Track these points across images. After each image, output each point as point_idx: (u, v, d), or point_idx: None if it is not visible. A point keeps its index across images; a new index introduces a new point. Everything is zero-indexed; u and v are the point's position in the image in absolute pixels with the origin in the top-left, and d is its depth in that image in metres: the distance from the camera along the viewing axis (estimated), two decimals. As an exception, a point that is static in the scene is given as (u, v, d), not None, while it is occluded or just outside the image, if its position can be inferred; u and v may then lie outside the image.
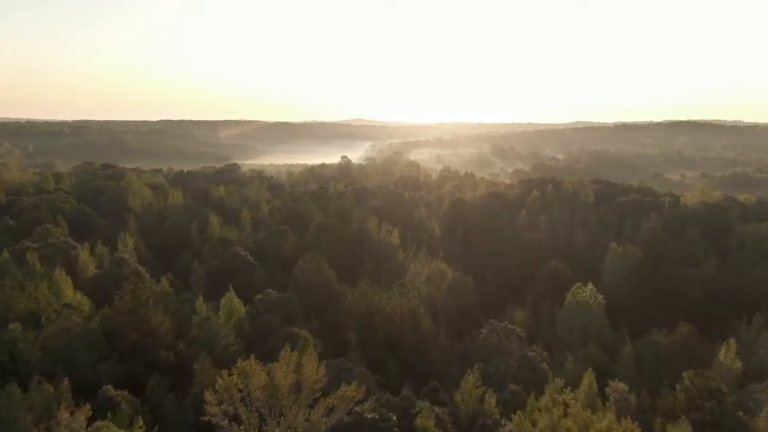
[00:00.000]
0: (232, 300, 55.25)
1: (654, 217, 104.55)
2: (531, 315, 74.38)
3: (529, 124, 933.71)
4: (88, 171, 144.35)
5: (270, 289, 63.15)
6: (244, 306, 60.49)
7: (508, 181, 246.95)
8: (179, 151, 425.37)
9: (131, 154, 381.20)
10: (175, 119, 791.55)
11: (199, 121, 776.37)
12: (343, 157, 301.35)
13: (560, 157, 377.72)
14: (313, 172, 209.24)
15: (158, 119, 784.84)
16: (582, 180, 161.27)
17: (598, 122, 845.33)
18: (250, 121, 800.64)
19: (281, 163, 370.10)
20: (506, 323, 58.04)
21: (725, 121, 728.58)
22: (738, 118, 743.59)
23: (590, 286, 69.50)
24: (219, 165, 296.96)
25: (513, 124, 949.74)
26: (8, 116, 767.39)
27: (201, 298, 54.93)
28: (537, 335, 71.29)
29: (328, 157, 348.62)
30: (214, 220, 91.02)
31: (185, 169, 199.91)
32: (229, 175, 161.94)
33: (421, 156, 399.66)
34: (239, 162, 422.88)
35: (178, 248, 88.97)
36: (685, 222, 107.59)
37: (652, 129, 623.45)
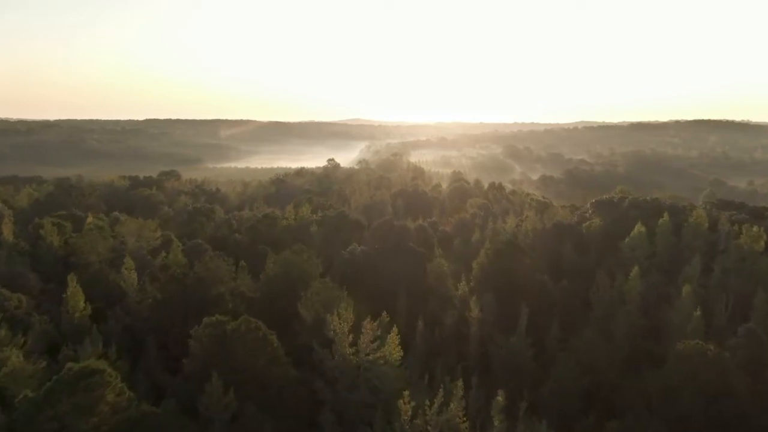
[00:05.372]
0: None
1: None
2: None
3: (533, 123, 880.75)
4: None
5: None
6: None
7: (535, 191, 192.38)
8: (144, 152, 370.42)
9: (84, 156, 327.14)
10: (162, 118, 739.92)
11: (189, 120, 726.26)
12: (329, 160, 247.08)
13: (587, 159, 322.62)
14: (282, 182, 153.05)
15: (144, 118, 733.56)
16: (676, 197, 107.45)
17: (603, 122, 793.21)
18: (245, 121, 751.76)
19: (259, 167, 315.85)
20: None
21: (734, 120, 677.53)
22: (745, 118, 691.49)
23: None
24: (184, 168, 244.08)
25: (516, 123, 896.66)
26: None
27: None
28: None
29: (318, 159, 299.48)
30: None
31: (136, 174, 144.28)
32: (143, 192, 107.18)
33: (424, 158, 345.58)
34: (213, 165, 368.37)
35: None
36: None
37: (675, 128, 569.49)
